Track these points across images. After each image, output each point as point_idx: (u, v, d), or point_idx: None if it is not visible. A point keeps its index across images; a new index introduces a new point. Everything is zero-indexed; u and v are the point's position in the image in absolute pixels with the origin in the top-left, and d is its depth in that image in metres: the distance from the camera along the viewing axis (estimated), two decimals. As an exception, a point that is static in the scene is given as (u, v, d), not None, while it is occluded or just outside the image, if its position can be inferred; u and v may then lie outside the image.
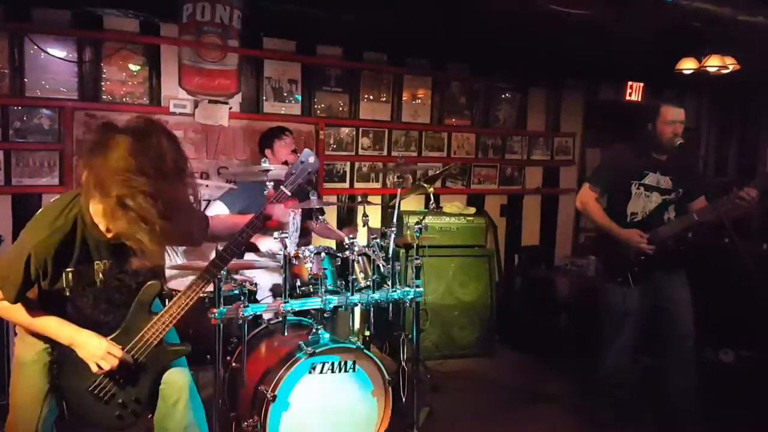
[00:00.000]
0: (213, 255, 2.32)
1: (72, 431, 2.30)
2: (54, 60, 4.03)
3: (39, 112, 4.02)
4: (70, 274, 2.04)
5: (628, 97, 5.93)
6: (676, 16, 4.09)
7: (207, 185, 4.01)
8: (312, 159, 2.37)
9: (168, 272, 3.19)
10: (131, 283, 2.17)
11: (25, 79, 3.98)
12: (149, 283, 2.17)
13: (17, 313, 2.05)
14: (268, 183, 2.81)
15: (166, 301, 2.26)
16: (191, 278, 2.28)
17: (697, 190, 3.51)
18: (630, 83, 5.90)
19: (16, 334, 2.22)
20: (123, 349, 2.11)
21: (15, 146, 3.97)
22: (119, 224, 1.86)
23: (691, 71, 4.97)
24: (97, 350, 2.05)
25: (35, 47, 3.97)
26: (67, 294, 2.07)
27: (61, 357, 2.10)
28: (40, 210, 2.10)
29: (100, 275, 2.09)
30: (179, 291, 2.21)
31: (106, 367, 2.06)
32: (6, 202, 3.98)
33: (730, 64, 4.89)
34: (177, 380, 2.21)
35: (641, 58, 4.99)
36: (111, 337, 2.12)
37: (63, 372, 2.12)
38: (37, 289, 2.05)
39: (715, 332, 4.45)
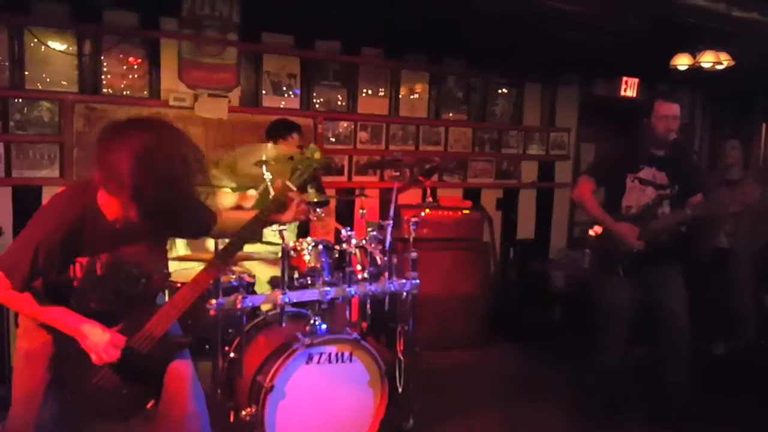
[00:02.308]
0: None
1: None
2: (54, 53, 4.05)
3: (39, 104, 4.05)
4: (78, 265, 2.06)
5: (622, 93, 5.97)
6: (671, 12, 4.12)
7: None
8: (317, 155, 2.39)
9: (173, 264, 3.23)
10: (138, 275, 2.18)
11: (26, 72, 4.00)
12: (156, 275, 2.19)
13: (24, 302, 2.05)
14: (265, 174, 2.85)
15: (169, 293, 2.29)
16: (196, 269, 2.31)
17: (694, 187, 3.50)
18: (625, 79, 5.94)
19: (17, 326, 2.23)
20: (127, 340, 2.11)
21: (15, 138, 4.00)
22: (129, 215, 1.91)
23: (686, 67, 5.00)
24: (99, 341, 2.05)
25: (35, 40, 3.99)
26: (75, 284, 2.08)
27: (66, 348, 2.10)
28: (49, 200, 2.12)
29: (107, 266, 2.10)
30: (184, 283, 2.24)
31: (108, 359, 2.06)
32: (6, 194, 4.01)
33: (725, 60, 4.92)
34: (179, 370, 2.24)
35: (636, 54, 5.02)
36: (116, 328, 2.11)
37: (67, 363, 2.12)
38: (43, 279, 2.06)
39: (707, 325, 4.53)
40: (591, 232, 3.59)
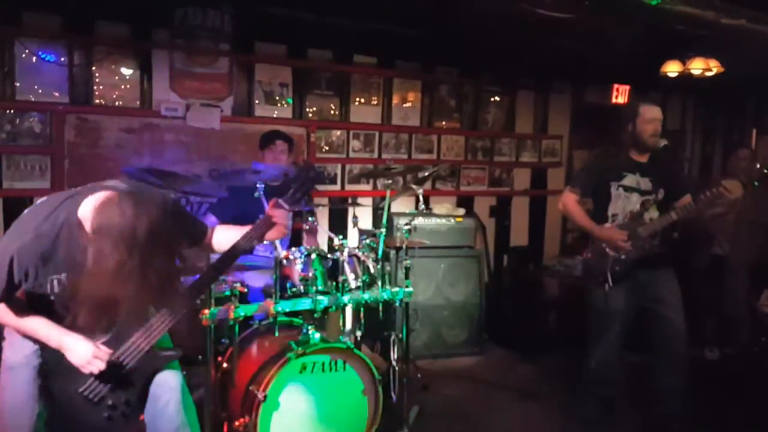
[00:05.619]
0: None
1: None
2: (45, 64, 4.05)
3: (30, 115, 4.04)
4: (55, 281, 2.02)
5: (614, 100, 6.00)
6: (661, 20, 4.16)
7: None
8: (312, 173, 2.40)
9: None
10: (123, 288, 2.12)
11: (16, 83, 3.99)
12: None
13: (4, 314, 2.05)
14: (258, 185, 2.84)
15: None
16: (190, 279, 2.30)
17: (679, 189, 3.52)
18: (616, 86, 5.98)
19: (4, 338, 2.22)
20: (113, 353, 2.10)
21: (6, 149, 3.99)
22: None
23: (676, 74, 5.05)
24: (84, 354, 2.05)
25: (26, 51, 3.99)
26: (56, 299, 2.06)
27: (52, 359, 2.10)
28: (26, 210, 2.08)
29: (89, 281, 2.02)
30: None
31: (94, 371, 2.06)
32: (-3, 204, 3.99)
33: (714, 67, 4.97)
34: (168, 381, 2.23)
35: (627, 61, 5.06)
36: (102, 340, 2.11)
37: (53, 374, 2.11)
38: (25, 291, 2.04)
39: (702, 331, 4.54)
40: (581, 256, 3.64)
